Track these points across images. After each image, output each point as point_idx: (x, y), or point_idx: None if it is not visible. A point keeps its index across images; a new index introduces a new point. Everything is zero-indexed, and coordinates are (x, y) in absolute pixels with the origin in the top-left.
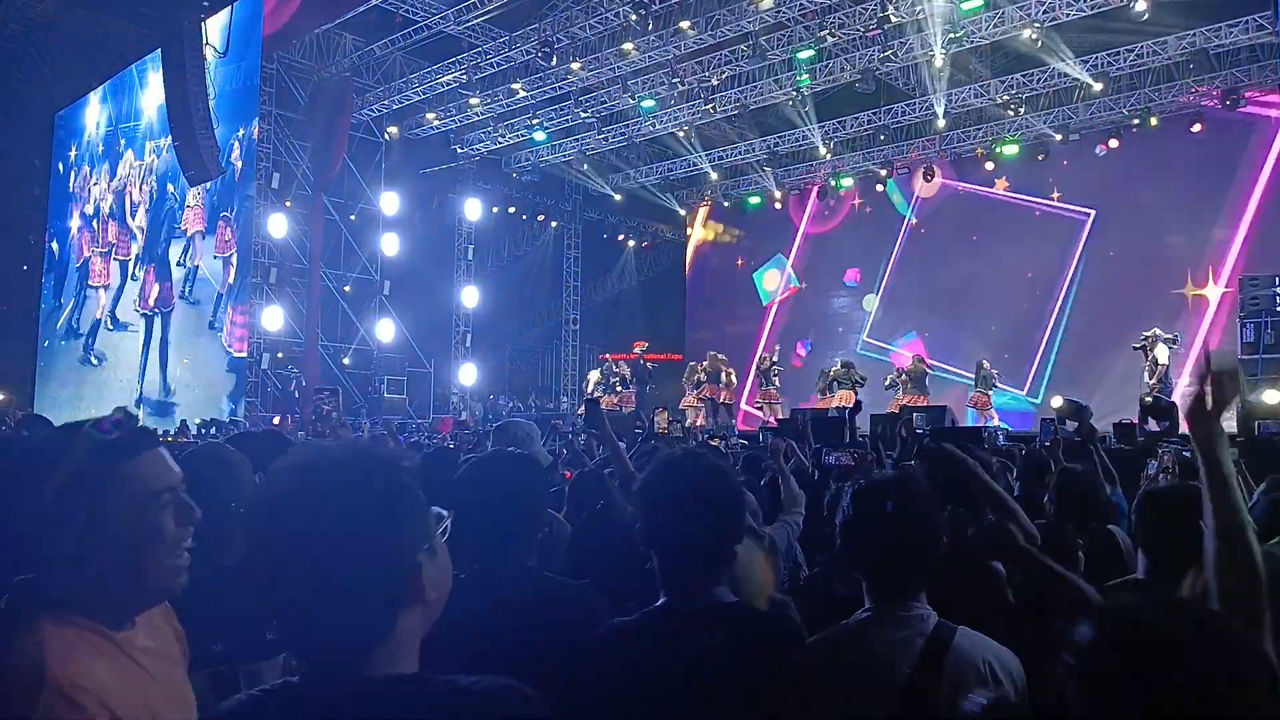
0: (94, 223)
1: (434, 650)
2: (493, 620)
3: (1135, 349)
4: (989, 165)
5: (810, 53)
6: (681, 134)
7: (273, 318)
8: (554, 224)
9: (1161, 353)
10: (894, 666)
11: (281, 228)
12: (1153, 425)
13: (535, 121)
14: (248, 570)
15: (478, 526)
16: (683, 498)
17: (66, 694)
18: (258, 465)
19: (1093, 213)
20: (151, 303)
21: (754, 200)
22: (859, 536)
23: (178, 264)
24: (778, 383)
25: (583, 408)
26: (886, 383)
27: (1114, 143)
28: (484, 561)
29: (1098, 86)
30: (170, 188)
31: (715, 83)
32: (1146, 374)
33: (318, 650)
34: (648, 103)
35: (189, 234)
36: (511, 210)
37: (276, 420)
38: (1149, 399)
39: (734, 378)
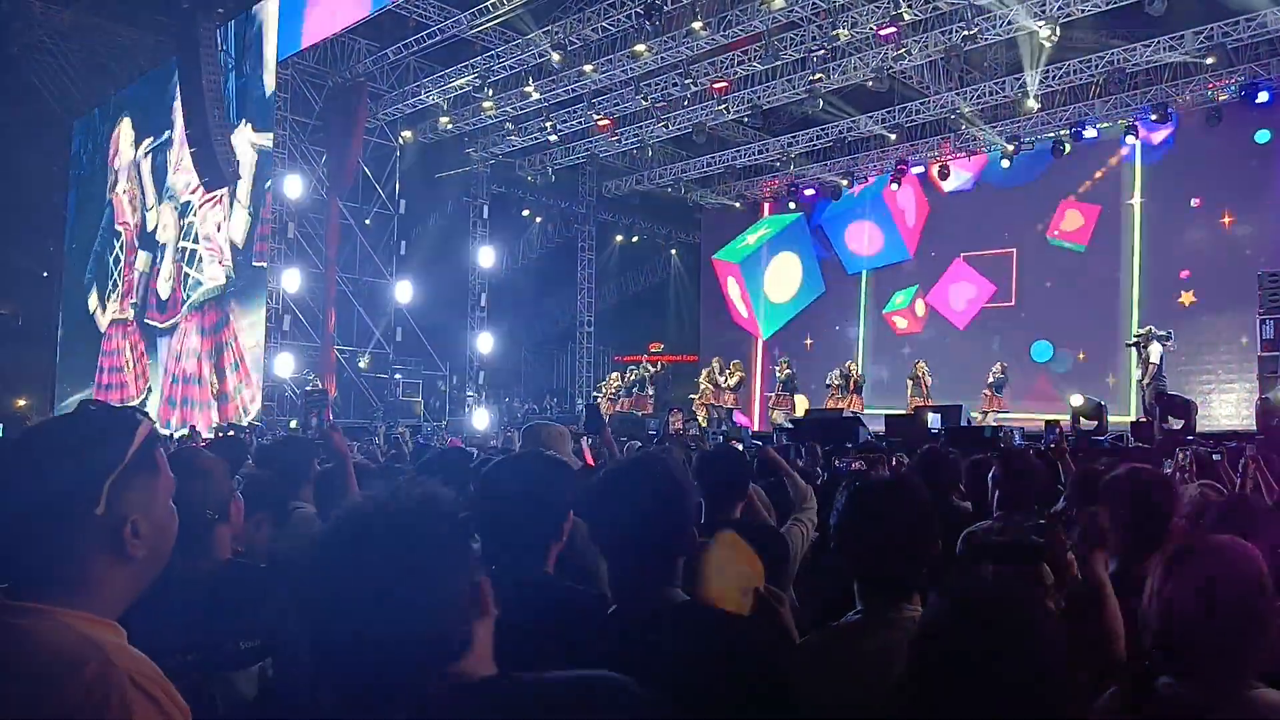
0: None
1: None
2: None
3: (1128, 346)
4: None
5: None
6: (697, 135)
7: (289, 322)
8: (568, 226)
9: (1155, 351)
10: (885, 669)
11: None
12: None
13: (549, 124)
14: None
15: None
16: (631, 500)
17: (141, 686)
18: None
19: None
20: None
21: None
22: (853, 537)
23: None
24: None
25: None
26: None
27: None
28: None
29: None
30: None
31: (727, 83)
32: (1139, 371)
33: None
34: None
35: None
36: (525, 213)
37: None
38: (1165, 397)
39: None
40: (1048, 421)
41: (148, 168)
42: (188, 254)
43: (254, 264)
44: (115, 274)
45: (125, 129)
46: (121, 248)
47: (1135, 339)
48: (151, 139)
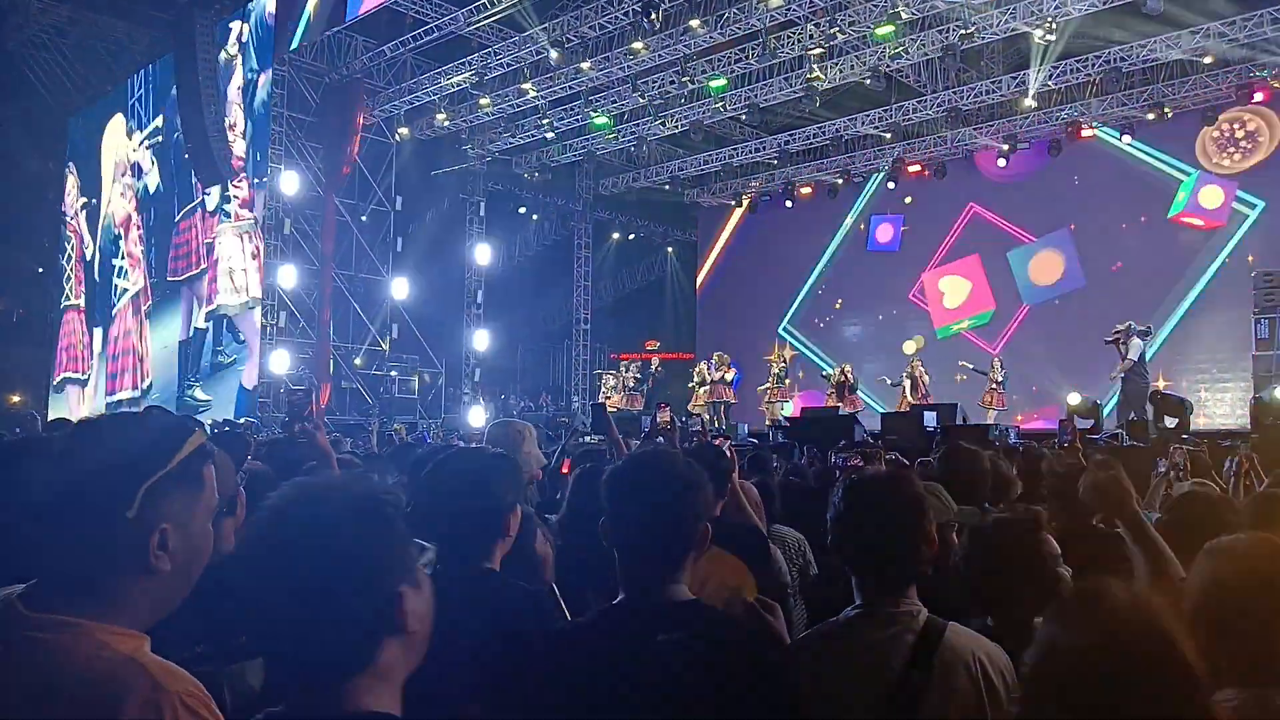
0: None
1: None
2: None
3: (1107, 344)
4: None
5: (722, 82)
6: (695, 133)
7: (285, 319)
8: (565, 223)
9: (1134, 346)
10: (884, 663)
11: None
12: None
13: (545, 122)
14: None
15: (433, 524)
16: (645, 495)
17: (190, 706)
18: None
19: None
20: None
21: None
22: (849, 532)
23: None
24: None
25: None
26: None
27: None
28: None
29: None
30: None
31: (724, 80)
32: (1120, 368)
33: (297, 681)
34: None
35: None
36: (522, 210)
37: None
38: (1161, 395)
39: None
40: (1061, 421)
41: (84, 220)
42: (117, 269)
43: (168, 279)
44: (69, 271)
45: (71, 184)
46: (73, 248)
47: (1115, 335)
48: (86, 199)
